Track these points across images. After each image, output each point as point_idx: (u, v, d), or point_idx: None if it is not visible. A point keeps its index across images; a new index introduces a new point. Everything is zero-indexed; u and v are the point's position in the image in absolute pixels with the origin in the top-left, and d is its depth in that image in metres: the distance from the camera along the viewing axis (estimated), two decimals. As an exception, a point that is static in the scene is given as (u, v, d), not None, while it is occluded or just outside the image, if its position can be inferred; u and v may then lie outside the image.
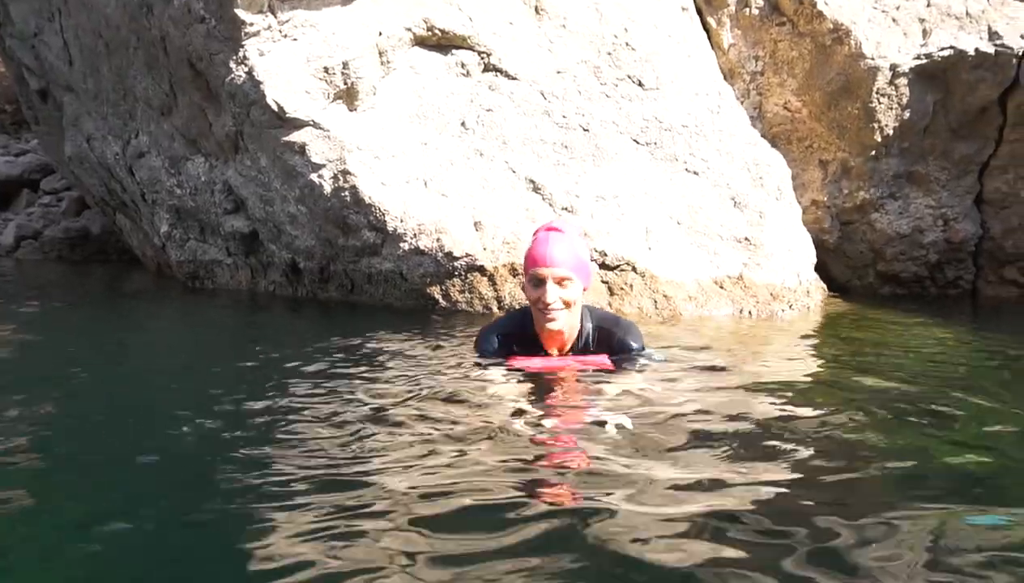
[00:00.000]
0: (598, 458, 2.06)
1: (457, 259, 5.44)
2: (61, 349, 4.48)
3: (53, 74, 8.64)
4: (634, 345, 3.07)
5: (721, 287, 5.47)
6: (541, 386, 2.84)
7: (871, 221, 7.55)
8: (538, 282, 2.91)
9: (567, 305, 2.93)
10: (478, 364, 3.11)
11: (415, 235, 5.56)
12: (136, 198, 8.17)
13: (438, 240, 5.49)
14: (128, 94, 7.30)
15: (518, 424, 2.36)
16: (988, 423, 2.60)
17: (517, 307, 5.24)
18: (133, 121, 7.49)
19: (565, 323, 2.98)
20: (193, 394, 3.12)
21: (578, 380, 2.90)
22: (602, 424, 2.32)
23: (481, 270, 5.41)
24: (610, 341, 3.07)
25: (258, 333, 5.33)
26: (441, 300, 5.55)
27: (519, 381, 2.87)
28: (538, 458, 2.09)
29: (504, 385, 2.83)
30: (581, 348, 3.09)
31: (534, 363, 3.01)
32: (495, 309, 5.34)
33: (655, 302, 5.26)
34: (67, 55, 8.02)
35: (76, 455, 2.28)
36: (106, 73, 7.41)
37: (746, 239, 5.67)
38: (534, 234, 3.04)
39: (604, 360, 3.01)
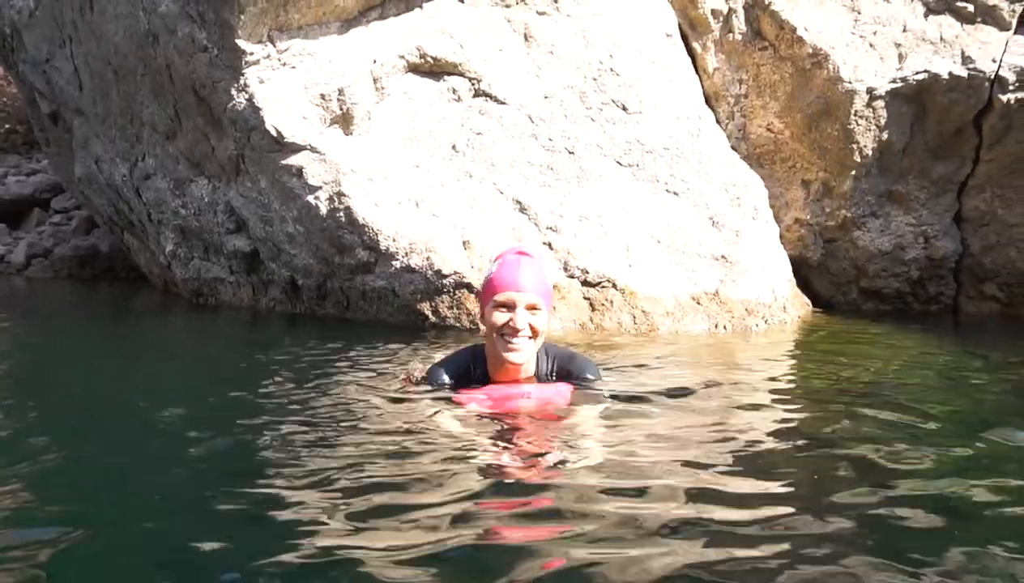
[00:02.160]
0: (567, 490, 1.98)
1: (446, 276, 5.70)
2: (70, 362, 4.74)
3: (64, 98, 8.97)
4: (590, 377, 2.98)
5: (698, 303, 5.71)
6: (503, 418, 2.70)
7: (853, 239, 7.78)
8: (505, 308, 2.75)
9: (534, 334, 2.79)
10: (434, 397, 2.90)
11: (406, 254, 5.82)
12: (143, 218, 8.47)
13: (428, 258, 5.74)
14: (135, 118, 7.60)
15: (484, 458, 2.26)
16: (931, 432, 2.78)
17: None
18: (140, 144, 7.79)
19: (528, 354, 2.82)
20: (191, 406, 3.24)
21: (540, 410, 2.77)
22: (563, 462, 2.21)
23: (468, 287, 5.66)
24: (565, 377, 2.97)
25: (255, 348, 5.58)
26: (431, 316, 5.80)
27: (479, 415, 2.71)
28: (505, 493, 1.99)
29: (462, 420, 2.65)
30: None
31: (494, 392, 2.84)
32: (481, 324, 5.58)
33: (634, 317, 5.50)
34: (77, 80, 8.35)
35: (74, 457, 2.49)
36: (115, 98, 7.73)
37: (723, 257, 5.91)
38: (498, 258, 2.90)
39: (564, 388, 2.90)
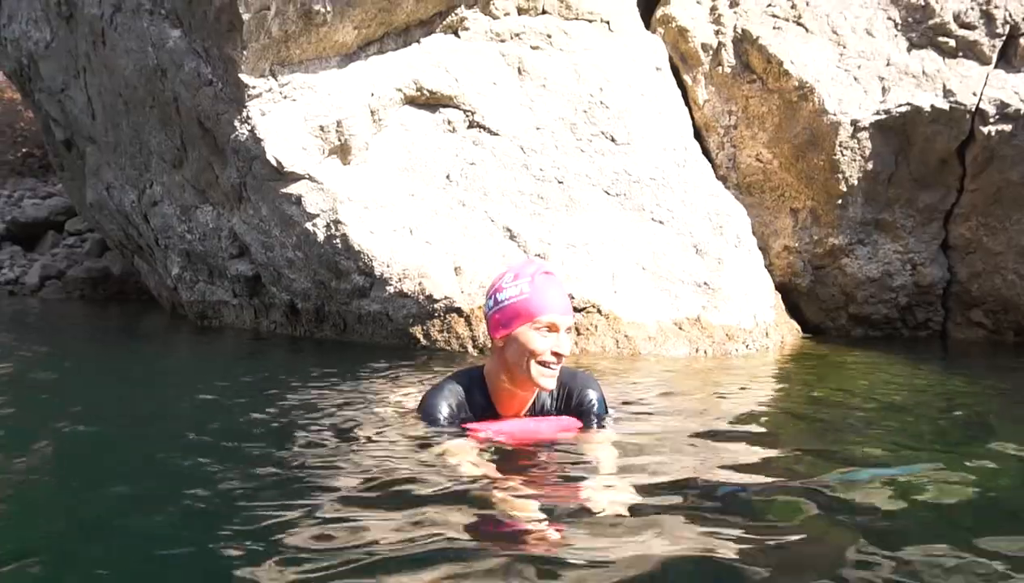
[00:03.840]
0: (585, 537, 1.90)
1: (437, 301, 5.91)
2: (79, 379, 4.97)
3: (77, 126, 9.29)
4: (595, 403, 2.82)
5: (680, 328, 5.90)
6: (504, 459, 2.56)
7: (841, 266, 7.95)
8: (548, 330, 2.60)
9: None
10: (429, 439, 2.70)
11: (400, 279, 6.04)
12: (151, 242, 8.75)
13: (420, 284, 5.96)
14: (144, 147, 7.89)
15: (495, 503, 2.14)
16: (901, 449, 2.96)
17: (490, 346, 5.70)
18: (148, 172, 8.08)
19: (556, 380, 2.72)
20: (189, 424, 3.37)
21: (549, 453, 2.64)
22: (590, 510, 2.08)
23: (458, 311, 5.88)
24: (569, 399, 2.82)
25: (252, 369, 5.81)
26: (422, 339, 6.01)
27: (487, 454, 2.56)
28: (520, 543, 1.88)
29: (470, 458, 2.48)
30: (538, 410, 2.83)
31: (504, 428, 2.72)
32: (470, 348, 5.80)
33: (617, 341, 5.70)
34: (90, 110, 8.66)
35: (75, 468, 2.69)
36: (125, 128, 8.02)
37: (705, 283, 6.11)
38: (517, 276, 2.66)
39: (569, 424, 2.80)
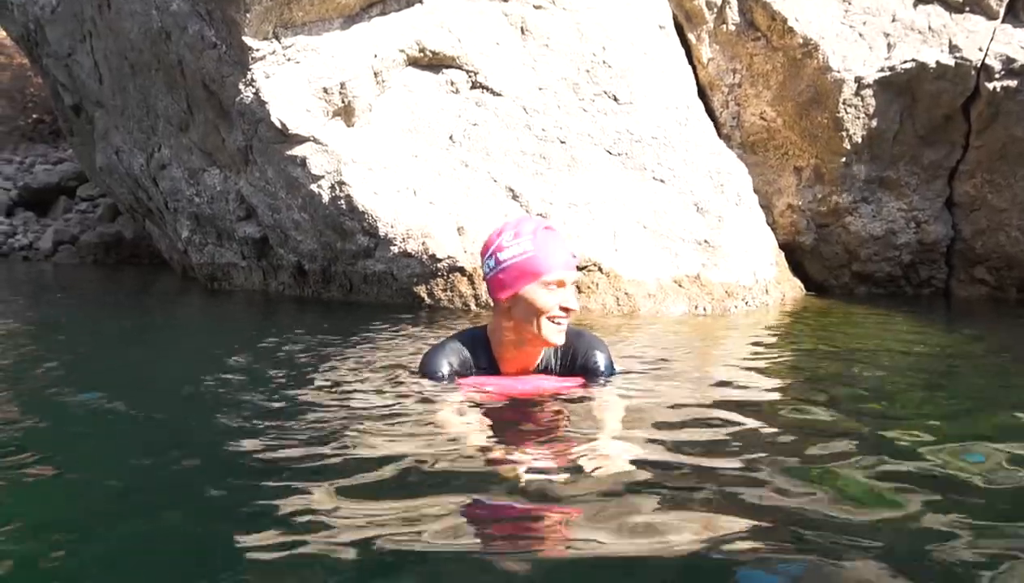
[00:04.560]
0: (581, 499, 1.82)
1: (440, 261, 6.00)
2: (94, 342, 5.10)
3: (85, 91, 9.36)
4: (601, 363, 2.74)
5: (679, 285, 5.97)
6: (503, 416, 2.49)
7: (845, 224, 7.97)
8: (557, 286, 2.57)
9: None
10: (429, 395, 2.65)
11: (404, 239, 6.13)
12: (160, 206, 8.86)
13: (423, 243, 6.05)
14: (151, 111, 7.96)
15: (489, 460, 2.09)
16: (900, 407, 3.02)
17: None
18: (156, 136, 8.16)
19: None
20: (190, 389, 3.38)
21: (553, 408, 2.58)
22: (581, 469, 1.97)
23: (461, 271, 5.96)
24: (574, 359, 2.75)
25: (262, 328, 5.93)
26: (427, 298, 6.11)
27: (477, 412, 2.47)
28: (518, 500, 1.82)
29: (460, 418, 2.42)
30: (542, 370, 2.77)
31: (496, 385, 2.68)
32: (473, 306, 5.90)
33: (617, 299, 5.78)
34: (97, 74, 8.72)
35: (80, 437, 2.77)
36: (131, 91, 8.09)
37: (705, 241, 6.17)
38: (517, 235, 2.61)
39: (568, 383, 2.73)
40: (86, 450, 2.41)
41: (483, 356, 2.74)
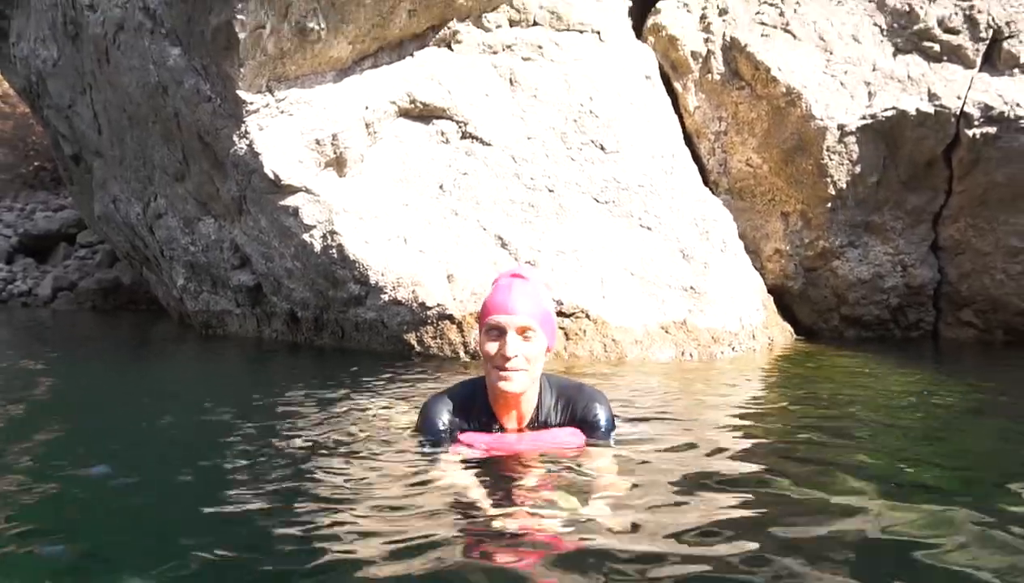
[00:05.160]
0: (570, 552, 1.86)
1: (429, 308, 6.08)
2: (90, 389, 5.16)
3: (84, 141, 9.54)
4: (601, 418, 2.71)
5: (666, 331, 6.05)
6: (499, 473, 2.50)
7: (833, 268, 8.07)
8: (496, 333, 2.54)
9: (528, 362, 2.55)
10: (424, 453, 2.68)
11: (394, 287, 6.22)
12: (156, 254, 8.97)
13: (413, 291, 6.14)
14: (148, 161, 8.11)
15: (479, 519, 2.09)
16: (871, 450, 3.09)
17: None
18: (152, 185, 8.30)
19: (524, 385, 2.59)
20: (191, 429, 3.54)
21: (543, 466, 2.56)
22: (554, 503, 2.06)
23: (450, 318, 6.04)
24: (573, 413, 2.72)
25: (255, 376, 6.00)
26: (416, 346, 6.19)
27: (473, 470, 2.50)
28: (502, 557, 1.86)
29: (457, 474, 2.45)
30: (542, 422, 2.72)
31: (494, 442, 2.65)
32: (462, 354, 5.97)
33: (604, 346, 5.85)
34: (96, 125, 8.89)
35: (77, 480, 2.85)
36: (129, 142, 8.25)
37: (691, 288, 6.26)
38: (494, 281, 2.68)
39: (570, 439, 2.69)
40: (71, 507, 2.44)
41: (482, 407, 2.71)
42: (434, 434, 2.69)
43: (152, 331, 10.06)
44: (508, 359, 2.51)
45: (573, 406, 2.71)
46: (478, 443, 2.64)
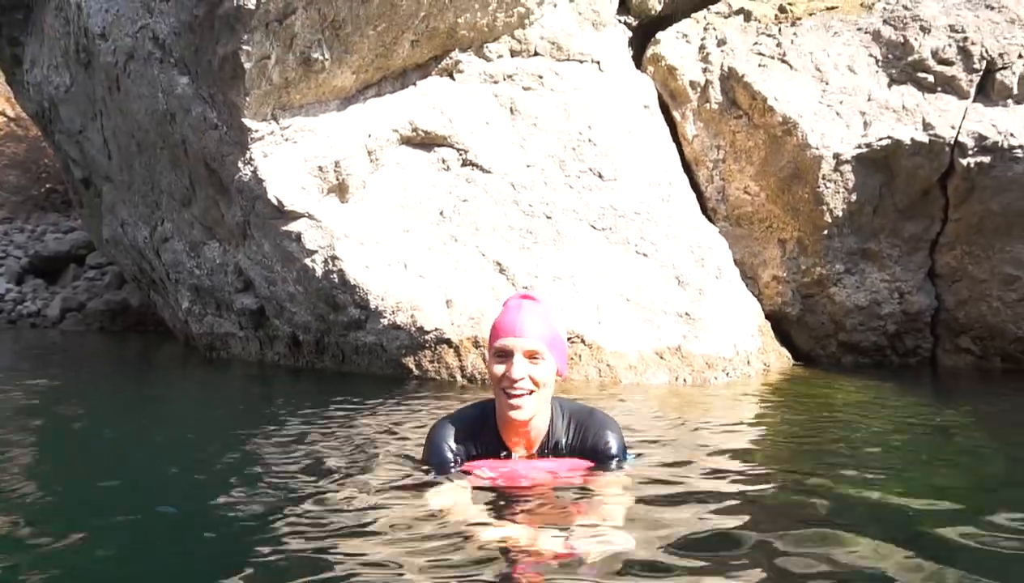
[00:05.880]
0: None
1: (428, 333, 6.18)
2: (95, 409, 5.26)
3: (94, 166, 9.72)
4: (613, 447, 2.63)
5: (661, 357, 6.13)
6: (504, 502, 2.44)
7: (830, 295, 8.14)
8: (504, 355, 2.48)
9: (536, 386, 2.47)
10: (428, 481, 2.61)
11: (393, 311, 6.32)
12: (162, 277, 9.12)
13: (412, 316, 6.24)
14: (155, 187, 8.28)
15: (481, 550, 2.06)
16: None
17: (478, 376, 5.96)
18: (159, 210, 8.46)
19: (532, 410, 2.50)
20: (191, 450, 3.62)
21: (551, 496, 2.49)
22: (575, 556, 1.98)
23: (448, 343, 6.14)
24: (584, 440, 2.62)
25: (257, 399, 6.09)
26: (415, 369, 6.28)
27: (477, 497, 2.44)
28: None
29: (461, 503, 2.39)
30: (552, 448, 2.63)
31: (502, 473, 2.57)
32: (459, 378, 6.06)
33: (599, 371, 5.93)
34: (106, 151, 9.07)
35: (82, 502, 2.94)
36: (138, 168, 8.42)
37: (686, 314, 6.35)
38: (505, 303, 2.62)
39: (577, 467, 2.61)
40: (75, 522, 2.51)
41: (491, 430, 2.63)
42: (440, 459, 2.62)
43: (158, 353, 10.19)
44: (515, 381, 2.44)
45: (584, 432, 2.62)
46: (485, 472, 2.57)
